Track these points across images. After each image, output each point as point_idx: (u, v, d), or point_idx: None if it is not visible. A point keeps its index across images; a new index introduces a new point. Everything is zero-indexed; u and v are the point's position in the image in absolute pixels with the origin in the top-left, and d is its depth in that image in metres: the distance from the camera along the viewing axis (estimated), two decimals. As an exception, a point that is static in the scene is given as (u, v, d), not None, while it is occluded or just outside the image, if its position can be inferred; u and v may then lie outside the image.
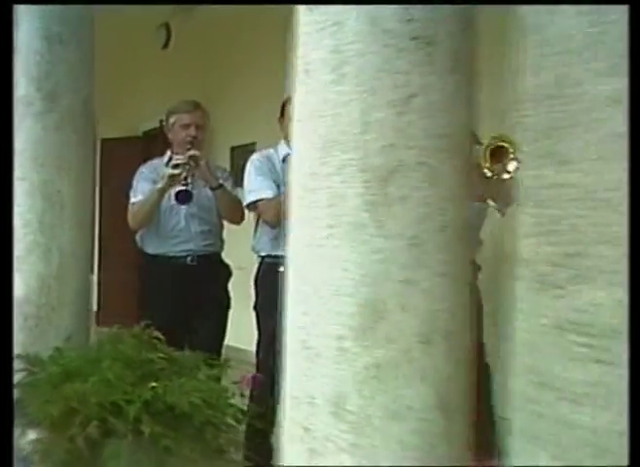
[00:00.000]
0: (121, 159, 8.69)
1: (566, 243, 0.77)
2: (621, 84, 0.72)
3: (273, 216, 2.82)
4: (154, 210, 3.27)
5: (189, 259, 3.25)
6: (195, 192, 3.15)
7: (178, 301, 3.17)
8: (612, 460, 0.73)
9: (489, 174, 3.59)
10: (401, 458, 1.16)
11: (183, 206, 3.20)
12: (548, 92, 0.80)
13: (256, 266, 3.10)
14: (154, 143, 7.88)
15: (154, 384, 2.11)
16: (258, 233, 3.10)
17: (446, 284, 1.17)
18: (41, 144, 3.04)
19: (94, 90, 3.24)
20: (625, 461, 0.70)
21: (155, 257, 3.34)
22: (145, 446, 2.05)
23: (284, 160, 2.94)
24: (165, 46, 7.99)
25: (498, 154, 3.63)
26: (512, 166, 3.67)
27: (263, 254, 3.03)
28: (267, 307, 2.59)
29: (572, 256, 0.77)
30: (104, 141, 9.30)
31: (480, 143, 3.71)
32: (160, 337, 2.52)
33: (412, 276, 1.15)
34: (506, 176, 3.67)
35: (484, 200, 3.51)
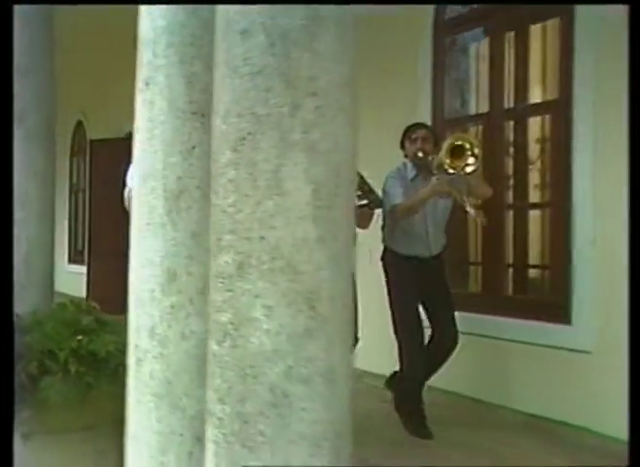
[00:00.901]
0: (107, 157, 9.60)
1: (222, 232, 1.63)
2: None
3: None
4: None
5: None
6: None
7: None
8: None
9: (452, 171, 4.20)
10: (186, 362, 2.02)
11: None
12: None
13: None
14: (136, 143, 8.73)
15: (79, 337, 2.98)
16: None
17: (215, 259, 2.02)
18: (11, 155, 3.89)
19: (55, 111, 4.12)
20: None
21: None
22: (72, 381, 2.93)
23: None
24: (146, 53, 8.81)
25: (457, 152, 4.22)
26: (471, 161, 4.25)
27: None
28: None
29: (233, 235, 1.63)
30: (92, 142, 10.19)
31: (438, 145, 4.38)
32: (96, 306, 3.40)
33: (193, 254, 2.01)
34: (468, 170, 4.26)
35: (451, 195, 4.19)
